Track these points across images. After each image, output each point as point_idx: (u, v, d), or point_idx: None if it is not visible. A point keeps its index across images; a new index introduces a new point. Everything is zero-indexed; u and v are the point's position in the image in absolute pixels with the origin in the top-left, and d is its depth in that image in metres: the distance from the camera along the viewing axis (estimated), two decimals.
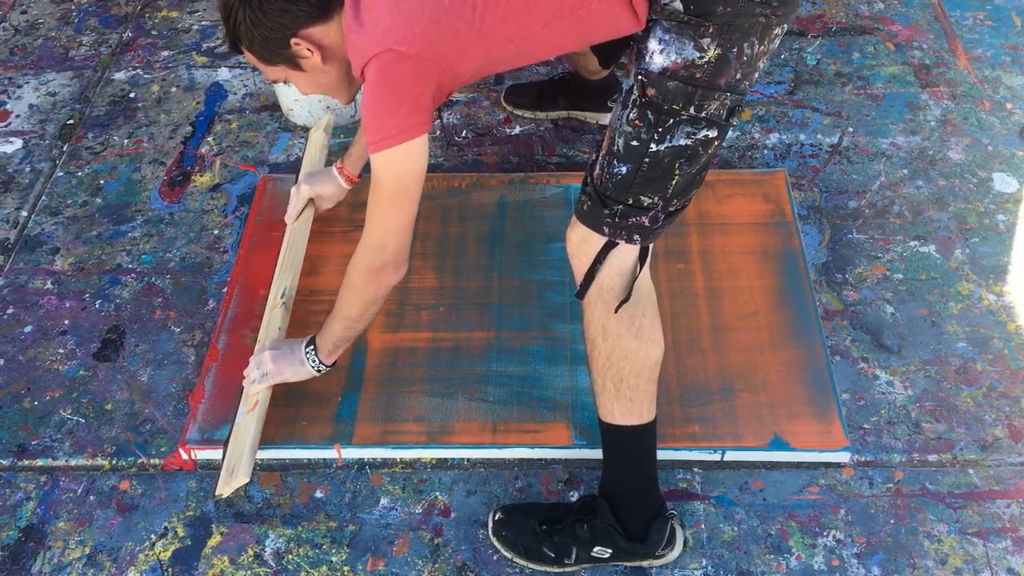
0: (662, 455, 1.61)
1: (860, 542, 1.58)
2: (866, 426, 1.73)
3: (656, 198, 1.33)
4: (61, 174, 2.29)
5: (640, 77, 1.28)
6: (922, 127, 2.30)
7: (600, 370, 1.46)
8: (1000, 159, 2.21)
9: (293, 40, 1.44)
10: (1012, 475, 1.66)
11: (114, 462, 1.74)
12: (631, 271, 1.40)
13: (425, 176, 1.44)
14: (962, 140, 2.26)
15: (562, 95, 2.32)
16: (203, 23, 2.72)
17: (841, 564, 1.56)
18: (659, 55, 1.25)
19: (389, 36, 1.34)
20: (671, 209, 1.36)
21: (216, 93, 2.49)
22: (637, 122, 1.29)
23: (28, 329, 1.95)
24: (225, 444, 1.64)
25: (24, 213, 2.20)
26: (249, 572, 1.58)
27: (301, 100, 2.28)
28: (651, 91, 1.27)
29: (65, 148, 2.36)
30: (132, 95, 2.50)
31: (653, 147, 1.29)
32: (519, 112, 2.36)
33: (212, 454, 1.71)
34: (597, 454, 1.59)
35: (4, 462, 1.75)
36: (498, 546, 1.58)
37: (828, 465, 1.68)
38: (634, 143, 1.30)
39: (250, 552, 1.61)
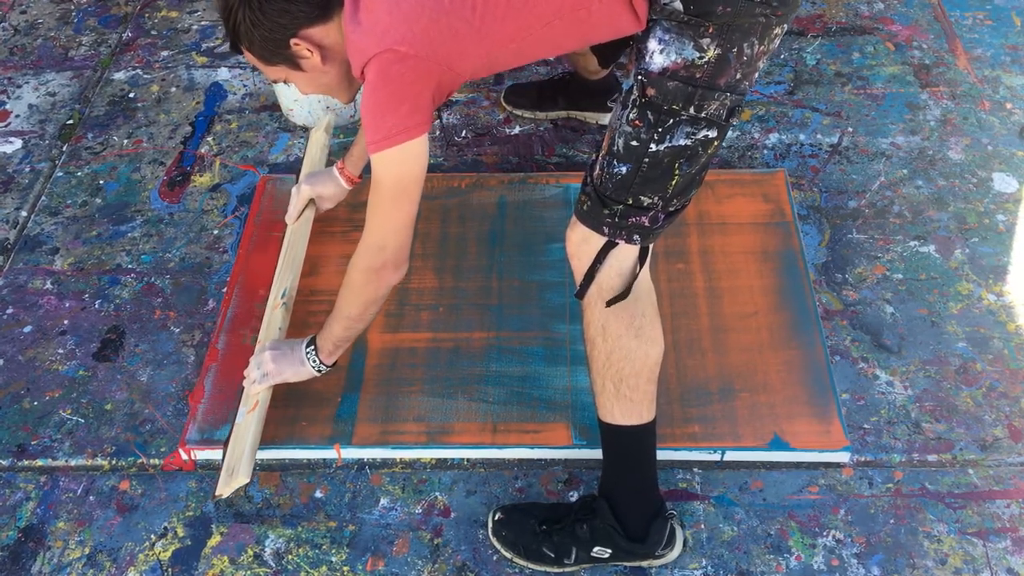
0: (662, 455, 1.61)
1: (860, 542, 1.58)
2: (866, 426, 1.73)
3: (656, 198, 1.33)
4: (61, 174, 2.29)
5: (640, 77, 1.28)
6: (922, 127, 2.30)
7: (600, 370, 1.46)
8: (1000, 159, 2.21)
9: (293, 40, 1.45)
10: (1012, 475, 1.66)
11: (114, 462, 1.74)
12: (631, 271, 1.40)
13: (425, 176, 1.44)
14: (962, 140, 2.26)
15: (562, 95, 2.32)
16: (203, 23, 2.72)
17: (841, 564, 1.56)
18: (659, 55, 1.25)
19: (389, 36, 1.34)
20: (671, 209, 1.36)
21: (216, 93, 2.49)
22: (637, 122, 1.29)
23: (28, 329, 1.95)
24: (225, 444, 1.64)
25: (24, 213, 2.20)
26: (249, 572, 1.58)
27: (301, 100, 2.28)
28: (651, 91, 1.27)
29: (65, 148, 2.36)
30: (132, 95, 2.50)
31: (653, 147, 1.29)
32: (519, 112, 2.36)
33: (212, 454, 1.71)
34: (597, 454, 1.59)
35: (4, 462, 1.74)
36: (498, 546, 1.58)
37: (828, 465, 1.68)
38: (634, 143, 1.30)
39: (250, 552, 1.61)
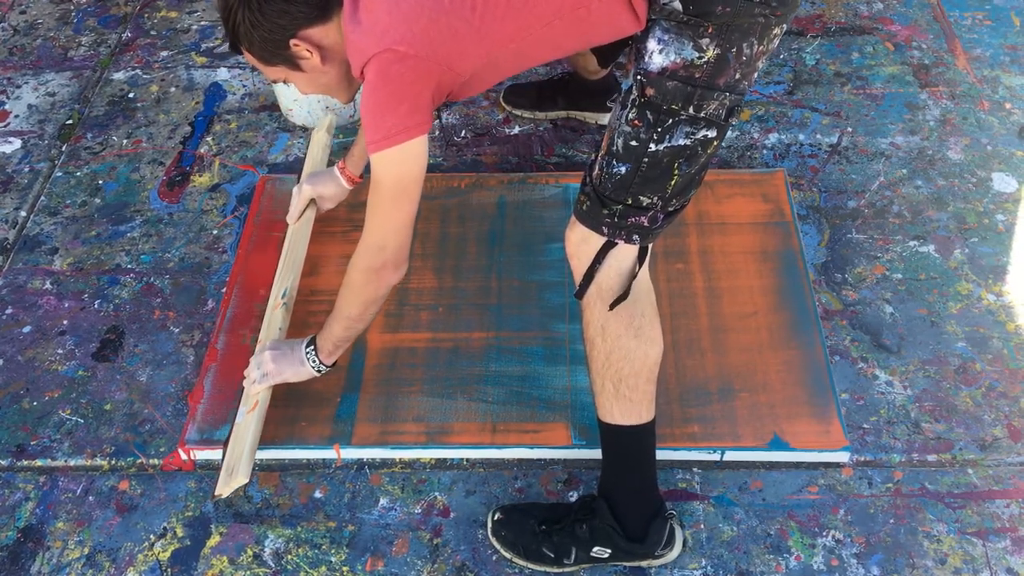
0: (661, 455, 1.61)
1: (859, 542, 1.58)
2: (865, 426, 1.73)
3: (655, 198, 1.33)
4: (60, 174, 2.29)
5: (639, 77, 1.28)
6: (921, 127, 2.30)
7: (599, 370, 1.45)
8: (999, 159, 2.21)
9: (292, 41, 1.44)
10: (1011, 475, 1.66)
11: (113, 462, 1.74)
12: (630, 271, 1.40)
13: (425, 176, 1.44)
14: (961, 140, 2.26)
15: (561, 95, 2.32)
16: (202, 23, 2.72)
17: (840, 564, 1.56)
18: (658, 55, 1.25)
19: (388, 36, 1.34)
20: (670, 209, 1.36)
21: (215, 93, 2.48)
22: (636, 122, 1.29)
23: (27, 329, 1.95)
24: (225, 444, 1.64)
25: (23, 213, 2.20)
26: (248, 572, 1.58)
27: (300, 100, 2.28)
28: (650, 91, 1.27)
29: (64, 148, 2.36)
30: (131, 95, 2.50)
31: (652, 147, 1.29)
32: (518, 112, 2.36)
33: (211, 454, 1.71)
34: (596, 454, 1.59)
35: (3, 462, 1.74)
36: (497, 546, 1.58)
37: (827, 465, 1.68)
38: (633, 143, 1.30)
39: (249, 552, 1.61)
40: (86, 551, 1.62)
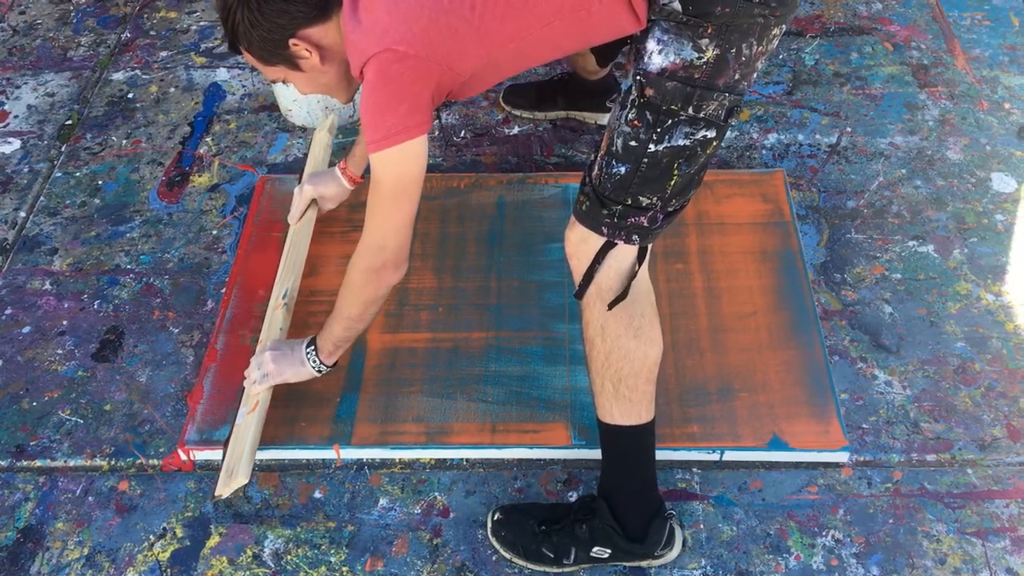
0: (661, 455, 1.61)
1: (859, 542, 1.59)
2: (865, 426, 1.74)
3: (655, 198, 1.33)
4: (59, 174, 2.29)
5: (639, 77, 1.28)
6: (920, 127, 2.30)
7: (599, 370, 1.46)
8: (998, 159, 2.21)
9: (291, 41, 1.44)
10: (1010, 475, 1.67)
11: (113, 463, 1.74)
12: (629, 271, 1.40)
13: (424, 176, 1.44)
14: (960, 140, 2.26)
15: (561, 95, 2.32)
16: (201, 23, 2.71)
17: (840, 564, 1.56)
18: (658, 55, 1.25)
19: (388, 36, 1.34)
20: (670, 209, 1.36)
21: (214, 93, 2.48)
22: (636, 122, 1.29)
23: (26, 330, 1.95)
24: (225, 445, 1.64)
25: (22, 214, 2.20)
26: (248, 573, 1.58)
27: (299, 100, 2.28)
28: (650, 91, 1.27)
29: (63, 148, 2.36)
30: (130, 95, 2.50)
31: (652, 147, 1.29)
32: (517, 112, 2.36)
33: (211, 455, 1.71)
34: (596, 454, 1.59)
35: (2, 463, 1.74)
36: (497, 546, 1.58)
37: (827, 465, 1.69)
38: (632, 143, 1.30)
39: (249, 553, 1.60)
40: (86, 551, 1.62)
